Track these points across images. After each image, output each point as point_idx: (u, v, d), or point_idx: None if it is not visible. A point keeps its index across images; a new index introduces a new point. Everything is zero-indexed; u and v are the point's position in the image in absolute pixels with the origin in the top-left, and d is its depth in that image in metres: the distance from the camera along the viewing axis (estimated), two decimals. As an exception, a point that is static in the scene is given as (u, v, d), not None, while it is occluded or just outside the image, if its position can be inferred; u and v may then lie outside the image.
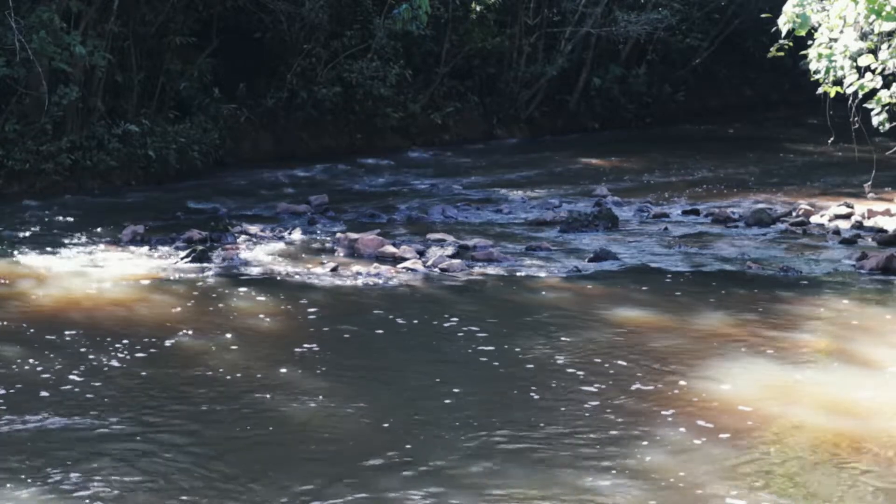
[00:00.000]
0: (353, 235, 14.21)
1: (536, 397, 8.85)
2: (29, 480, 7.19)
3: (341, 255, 13.77)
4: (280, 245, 14.29)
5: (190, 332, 10.43)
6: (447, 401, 8.77)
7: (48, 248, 13.81)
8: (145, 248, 13.85)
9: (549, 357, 9.86)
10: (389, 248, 13.70)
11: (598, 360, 9.70)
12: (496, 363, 9.68)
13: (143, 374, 9.29)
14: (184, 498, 7.00)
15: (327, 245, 14.31)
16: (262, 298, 11.73)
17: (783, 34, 11.90)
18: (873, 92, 12.75)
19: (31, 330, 10.53)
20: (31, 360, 9.51)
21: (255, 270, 12.94)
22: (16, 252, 13.63)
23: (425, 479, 7.28)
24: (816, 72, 12.65)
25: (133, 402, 8.64)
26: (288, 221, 15.98)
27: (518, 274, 12.90)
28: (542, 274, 12.89)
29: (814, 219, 16.40)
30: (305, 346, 10.15)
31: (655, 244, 14.70)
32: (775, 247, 14.62)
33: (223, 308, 11.33)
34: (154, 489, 7.10)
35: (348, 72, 23.00)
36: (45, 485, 7.13)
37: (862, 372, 9.52)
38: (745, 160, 23.24)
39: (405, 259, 13.30)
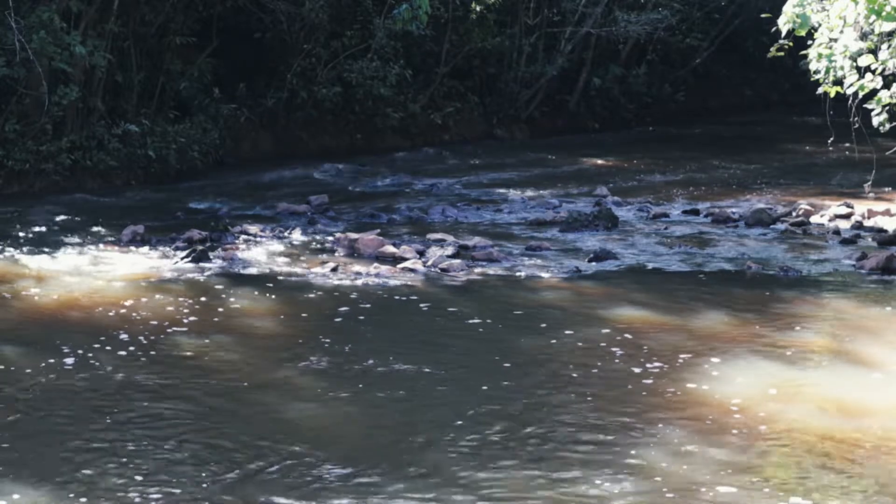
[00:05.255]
0: (353, 235, 14.21)
1: (536, 397, 8.85)
2: (26, 478, 7.18)
3: (341, 255, 13.77)
4: (280, 245, 14.29)
5: (190, 332, 10.43)
6: (447, 400, 8.77)
7: (48, 248, 13.81)
8: (145, 248, 13.85)
9: (548, 357, 9.86)
10: (389, 248, 13.70)
11: (598, 360, 9.70)
12: (496, 363, 9.68)
13: (143, 373, 9.29)
14: (182, 497, 7.00)
15: (327, 245, 14.31)
16: (262, 298, 11.73)
17: (783, 34, 11.89)
18: (873, 92, 12.74)
19: (31, 330, 10.53)
20: (30, 360, 9.51)
21: (255, 270, 12.94)
22: (16, 252, 13.63)
23: (425, 478, 7.28)
24: (816, 72, 12.65)
25: (132, 402, 8.64)
26: (288, 221, 15.98)
27: (518, 274, 12.90)
28: (542, 274, 12.89)
29: (814, 219, 16.40)
30: (305, 345, 10.15)
31: (655, 244, 14.70)
32: (775, 247, 14.62)
33: (223, 308, 11.33)
34: (152, 488, 7.10)
35: (348, 72, 23.01)
36: (41, 482, 7.13)
37: (862, 372, 9.52)
38: (745, 160, 23.24)
39: (405, 259, 13.29)
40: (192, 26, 21.36)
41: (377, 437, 8.03)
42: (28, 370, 9.30)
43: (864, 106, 13.11)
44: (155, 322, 10.69)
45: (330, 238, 14.62)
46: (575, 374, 9.38)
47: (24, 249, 13.76)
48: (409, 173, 21.15)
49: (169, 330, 10.46)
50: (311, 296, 11.89)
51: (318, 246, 14.34)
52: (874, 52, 12.61)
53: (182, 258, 13.18)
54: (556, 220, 16.13)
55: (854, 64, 12.32)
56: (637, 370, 9.45)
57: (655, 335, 10.45)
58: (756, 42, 28.76)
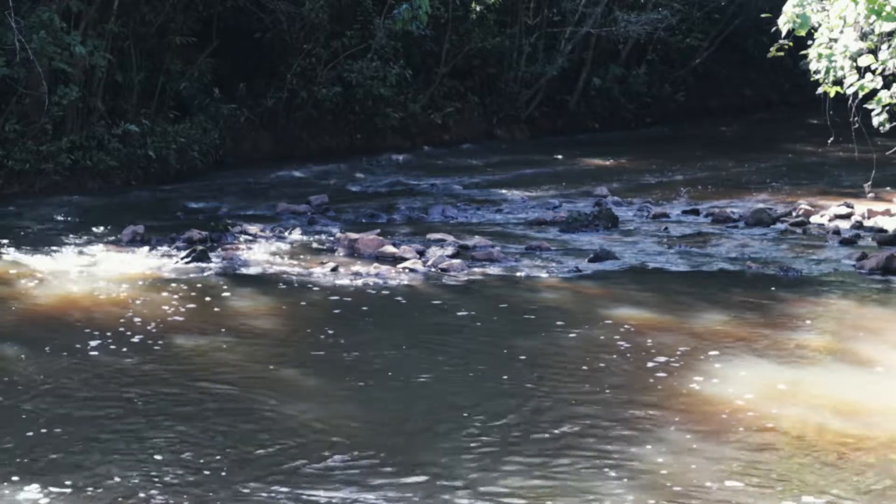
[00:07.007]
0: (353, 235, 14.21)
1: (536, 397, 8.85)
2: (26, 478, 7.19)
3: (341, 255, 13.77)
4: (280, 245, 14.29)
5: (190, 332, 10.43)
6: (446, 401, 8.77)
7: (48, 248, 13.81)
8: (145, 248, 13.86)
9: (548, 357, 9.86)
10: (389, 248, 13.70)
11: (598, 360, 9.70)
12: (496, 363, 9.68)
13: (143, 373, 9.29)
14: (180, 497, 7.01)
15: (327, 245, 14.32)
16: (262, 298, 11.73)
17: (783, 34, 11.89)
18: (873, 92, 12.74)
19: (31, 330, 10.53)
20: (30, 360, 9.51)
21: (255, 270, 12.95)
22: (16, 252, 13.64)
23: (424, 479, 7.28)
24: (816, 72, 12.65)
25: (132, 402, 8.65)
26: (288, 221, 15.98)
27: (518, 274, 12.90)
28: (542, 274, 12.89)
29: (814, 219, 16.40)
30: (305, 345, 10.15)
31: (655, 244, 14.70)
32: (775, 247, 14.62)
33: (223, 308, 11.33)
34: (151, 488, 7.10)
35: (348, 72, 23.02)
36: (41, 482, 7.13)
37: (862, 372, 9.52)
38: (746, 160, 23.24)
39: (405, 259, 13.30)
40: (192, 26, 21.37)
41: (377, 435, 8.03)
42: (28, 370, 9.30)
43: (864, 106, 13.11)
44: (155, 322, 10.69)
45: (330, 238, 14.63)
46: (575, 374, 9.38)
47: (24, 249, 13.76)
48: (409, 173, 21.16)
49: (169, 329, 10.46)
50: (312, 296, 11.89)
51: (318, 246, 14.34)
52: (874, 52, 12.60)
53: (182, 258, 13.18)
54: (556, 220, 16.12)
55: (854, 64, 12.31)
56: (637, 370, 9.45)
57: (655, 335, 10.45)
58: (756, 42, 28.77)
